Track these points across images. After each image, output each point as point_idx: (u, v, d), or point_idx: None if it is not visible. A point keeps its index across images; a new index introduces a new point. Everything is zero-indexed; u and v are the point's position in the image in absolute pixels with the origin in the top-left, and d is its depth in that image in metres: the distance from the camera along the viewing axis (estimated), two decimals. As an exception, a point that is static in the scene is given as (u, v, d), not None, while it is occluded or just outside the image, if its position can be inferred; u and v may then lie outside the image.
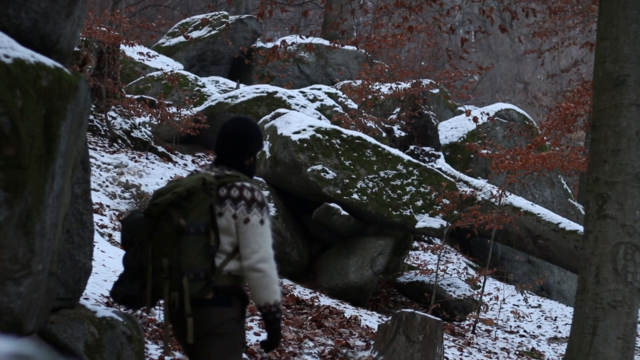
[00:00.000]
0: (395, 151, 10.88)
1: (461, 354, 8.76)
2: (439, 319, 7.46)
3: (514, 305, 12.96)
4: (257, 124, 4.01)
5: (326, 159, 10.18)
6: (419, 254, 13.75)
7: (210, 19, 20.64)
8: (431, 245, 13.78)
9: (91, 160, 10.83)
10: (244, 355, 6.00)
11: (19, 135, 3.22)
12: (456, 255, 14.48)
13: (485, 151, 13.28)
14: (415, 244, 13.85)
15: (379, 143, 10.76)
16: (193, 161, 14.03)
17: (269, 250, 3.61)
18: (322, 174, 10.07)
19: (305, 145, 10.12)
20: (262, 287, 3.58)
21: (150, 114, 13.64)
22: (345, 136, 10.44)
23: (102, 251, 7.21)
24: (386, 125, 15.33)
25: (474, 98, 28.11)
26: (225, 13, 21.84)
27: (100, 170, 11.24)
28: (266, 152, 10.52)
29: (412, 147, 15.10)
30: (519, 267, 15.00)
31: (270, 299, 3.58)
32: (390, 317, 7.51)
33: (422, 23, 16.57)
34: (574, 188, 20.62)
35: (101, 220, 9.41)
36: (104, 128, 13.00)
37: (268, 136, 10.71)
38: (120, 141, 12.85)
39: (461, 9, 10.77)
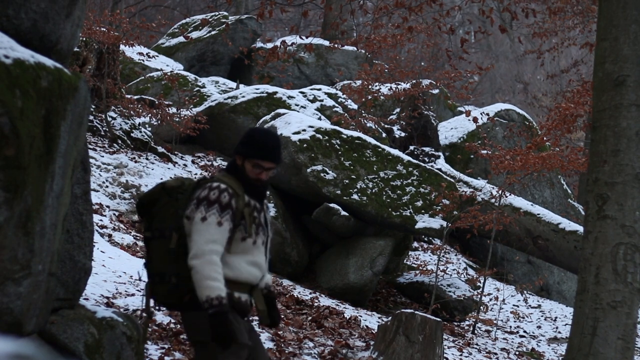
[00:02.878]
0: (395, 151, 10.88)
1: (461, 355, 8.76)
2: (438, 319, 7.46)
3: (513, 305, 12.97)
4: (269, 134, 3.92)
5: (326, 159, 10.18)
6: (419, 255, 13.75)
7: (210, 20, 20.62)
8: (431, 246, 13.77)
9: (91, 160, 10.82)
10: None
11: (19, 136, 3.22)
12: (456, 255, 14.47)
13: (485, 151, 13.28)
14: (415, 244, 13.84)
15: (378, 143, 10.76)
16: (193, 161, 14.03)
17: (203, 246, 3.56)
18: (322, 174, 10.07)
19: (305, 145, 10.13)
20: (196, 284, 3.57)
21: (150, 115, 13.64)
22: (345, 136, 10.44)
23: (102, 251, 7.21)
24: (386, 126, 15.32)
25: (473, 98, 28.10)
26: (225, 13, 21.83)
27: (100, 171, 11.24)
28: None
29: (411, 147, 15.09)
30: (519, 268, 15.00)
31: (202, 296, 3.53)
32: (390, 318, 7.51)
33: (422, 23, 16.56)
34: (573, 188, 20.62)
35: (101, 220, 9.41)
36: (104, 128, 12.99)
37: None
38: (120, 141, 12.85)
39: (461, 9, 10.77)
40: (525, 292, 12.82)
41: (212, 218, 3.60)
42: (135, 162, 12.15)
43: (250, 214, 3.73)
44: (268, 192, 4.01)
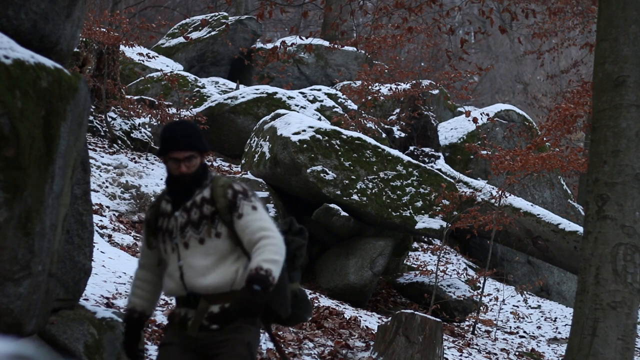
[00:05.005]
0: (395, 152, 10.88)
1: (461, 355, 8.76)
2: (438, 319, 7.46)
3: (513, 306, 12.96)
4: (173, 123, 3.63)
5: (326, 159, 10.18)
6: (419, 255, 13.75)
7: (210, 20, 20.64)
8: (431, 246, 13.77)
9: (91, 161, 10.82)
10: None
11: (19, 136, 3.22)
12: (456, 256, 14.47)
13: (485, 152, 13.27)
14: (415, 244, 13.84)
15: (378, 144, 10.75)
16: (193, 162, 14.01)
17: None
18: (321, 174, 10.07)
19: (305, 146, 10.12)
20: None
21: (150, 115, 13.64)
22: (345, 137, 10.44)
23: (101, 252, 7.21)
24: (386, 126, 15.32)
25: (473, 99, 28.10)
26: (225, 14, 21.83)
27: (100, 171, 11.24)
28: (266, 153, 10.52)
29: (411, 147, 15.09)
30: (519, 268, 15.00)
31: None
32: (390, 318, 7.51)
33: (422, 24, 16.56)
34: (573, 189, 20.61)
35: (101, 221, 9.40)
36: (104, 129, 12.99)
37: (268, 137, 10.71)
38: (120, 142, 12.85)
39: (461, 9, 10.77)
40: (525, 292, 12.81)
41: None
42: (135, 162, 12.15)
43: (151, 225, 3.58)
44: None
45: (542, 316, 12.80)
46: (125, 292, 6.50)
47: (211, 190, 3.49)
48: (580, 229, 11.27)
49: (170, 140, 3.47)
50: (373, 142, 10.68)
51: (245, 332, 3.44)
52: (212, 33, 20.43)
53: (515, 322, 12.10)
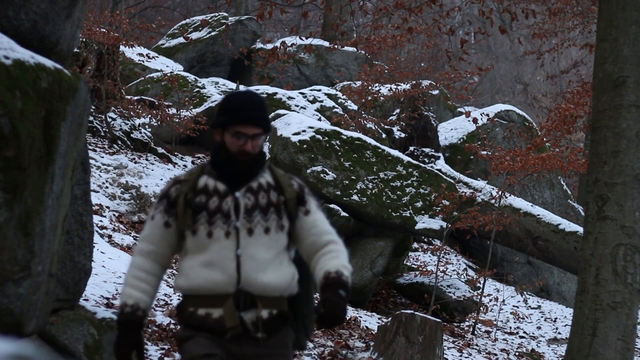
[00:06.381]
0: (395, 152, 10.88)
1: (461, 355, 8.76)
2: (438, 320, 7.46)
3: (513, 306, 12.96)
4: (248, 93, 3.09)
5: (326, 160, 10.18)
6: (419, 255, 13.75)
7: (210, 20, 20.64)
8: (431, 247, 13.77)
9: (91, 161, 10.82)
10: None
11: (19, 137, 3.22)
12: (456, 256, 14.47)
13: (485, 152, 13.27)
14: (415, 245, 13.84)
15: (378, 144, 10.76)
16: (193, 162, 14.03)
17: (137, 244, 3.08)
18: (321, 175, 10.08)
19: (305, 146, 10.13)
20: None
21: (150, 115, 13.64)
22: (345, 137, 10.45)
23: (102, 252, 7.21)
24: (386, 127, 15.32)
25: (473, 99, 28.11)
26: (225, 14, 21.83)
27: (100, 172, 11.24)
28: (266, 153, 10.54)
29: (411, 148, 15.09)
30: (519, 268, 15.00)
31: None
32: (390, 318, 7.51)
33: (422, 24, 16.57)
34: (573, 189, 20.61)
35: (101, 221, 9.40)
36: (104, 129, 12.99)
37: (268, 137, 10.72)
38: (120, 142, 12.84)
39: (461, 10, 10.78)
40: (525, 293, 12.81)
41: (150, 213, 3.06)
42: (135, 163, 12.15)
43: (189, 199, 2.96)
44: (270, 173, 3.09)
45: (542, 316, 12.80)
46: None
47: (274, 176, 3.09)
48: (580, 229, 11.27)
49: (241, 111, 2.97)
50: (373, 142, 10.69)
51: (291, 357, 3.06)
52: (212, 33, 20.42)
53: (515, 322, 12.10)
